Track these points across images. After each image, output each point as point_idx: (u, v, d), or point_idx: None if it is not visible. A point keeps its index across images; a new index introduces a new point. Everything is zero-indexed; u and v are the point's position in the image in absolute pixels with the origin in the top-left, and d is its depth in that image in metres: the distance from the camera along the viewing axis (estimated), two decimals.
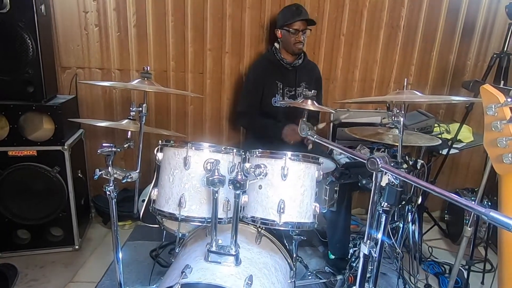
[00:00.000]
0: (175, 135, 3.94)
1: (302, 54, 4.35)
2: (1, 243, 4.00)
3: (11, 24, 3.56)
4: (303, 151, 2.66)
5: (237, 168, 2.30)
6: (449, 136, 4.47)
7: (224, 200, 2.49)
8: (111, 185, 2.53)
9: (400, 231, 3.90)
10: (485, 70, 4.34)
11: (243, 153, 2.60)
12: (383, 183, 1.87)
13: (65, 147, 3.89)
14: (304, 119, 2.73)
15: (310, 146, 3.64)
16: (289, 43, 4.18)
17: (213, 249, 2.32)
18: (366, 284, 2.07)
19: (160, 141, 2.64)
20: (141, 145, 2.87)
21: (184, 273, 2.17)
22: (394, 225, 3.96)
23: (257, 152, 2.56)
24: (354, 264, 3.68)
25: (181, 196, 2.45)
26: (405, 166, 3.22)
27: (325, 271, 3.99)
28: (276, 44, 4.33)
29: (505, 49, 4.10)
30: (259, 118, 4.28)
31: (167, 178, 2.54)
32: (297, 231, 2.95)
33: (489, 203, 4.26)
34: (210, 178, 2.15)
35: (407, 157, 3.45)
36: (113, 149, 2.48)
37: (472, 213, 3.67)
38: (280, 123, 3.98)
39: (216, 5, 4.56)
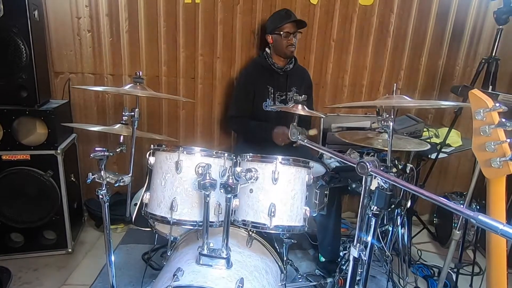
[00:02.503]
0: (167, 139, 3.97)
1: (293, 59, 4.37)
2: None
3: (4, 30, 3.58)
4: (293, 155, 2.69)
5: (228, 172, 2.32)
6: (438, 141, 4.49)
7: (216, 203, 2.51)
8: (103, 189, 2.54)
9: (390, 235, 3.92)
10: (473, 75, 4.34)
11: (234, 157, 2.64)
12: (373, 187, 1.88)
13: (58, 151, 3.90)
14: (295, 123, 2.76)
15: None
16: (281, 47, 4.18)
17: (205, 252, 2.33)
18: (356, 287, 2.08)
19: (152, 146, 2.66)
20: (133, 149, 2.89)
21: (176, 276, 2.18)
22: (383, 229, 3.99)
23: (248, 156, 2.59)
24: (344, 267, 3.70)
25: (172, 199, 2.47)
26: (394, 170, 3.23)
27: (315, 274, 4.00)
28: (267, 49, 4.35)
29: (493, 54, 4.09)
30: (250, 121, 4.28)
31: (159, 182, 2.56)
32: (287, 235, 2.98)
33: (478, 207, 4.26)
34: (202, 182, 2.17)
35: (396, 161, 3.47)
36: (105, 153, 2.49)
37: (461, 216, 3.71)
38: (271, 124, 3.99)
39: (207, 11, 4.58)
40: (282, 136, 3.81)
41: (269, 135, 3.93)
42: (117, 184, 2.58)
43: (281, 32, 4.12)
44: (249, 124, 4.27)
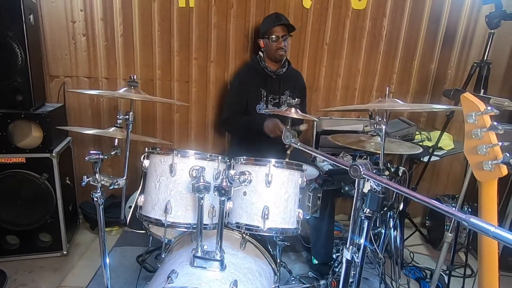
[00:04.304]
0: (161, 142, 3.96)
1: (286, 62, 4.40)
2: None
3: (0, 34, 3.59)
4: (285, 157, 2.70)
5: (222, 175, 2.32)
6: (430, 144, 4.51)
7: (209, 206, 2.52)
8: (98, 191, 2.55)
9: (382, 237, 3.93)
10: (465, 79, 4.37)
11: (228, 160, 2.64)
12: (366, 190, 1.88)
13: (54, 154, 3.92)
14: (288, 126, 2.78)
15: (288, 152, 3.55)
16: (271, 51, 4.22)
17: (199, 254, 2.34)
18: None
19: (146, 149, 2.65)
20: (127, 153, 2.89)
21: (170, 278, 2.19)
22: (376, 231, 3.99)
23: (242, 159, 2.59)
24: (337, 269, 3.72)
25: (167, 202, 2.48)
26: (387, 173, 3.25)
27: (308, 276, 4.02)
28: (260, 53, 4.38)
29: (485, 58, 4.11)
30: (241, 118, 4.31)
31: (153, 185, 2.57)
32: (281, 237, 3.00)
33: (470, 209, 4.29)
34: (196, 185, 2.18)
35: (389, 164, 3.48)
36: (100, 157, 2.50)
37: (453, 219, 3.73)
38: (262, 118, 3.99)
39: (201, 15, 4.60)
40: (273, 126, 3.80)
41: (260, 127, 3.93)
42: (112, 187, 2.59)
43: (271, 36, 4.15)
44: (241, 120, 4.30)
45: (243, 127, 4.31)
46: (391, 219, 3.90)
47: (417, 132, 4.64)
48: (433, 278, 3.78)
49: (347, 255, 1.97)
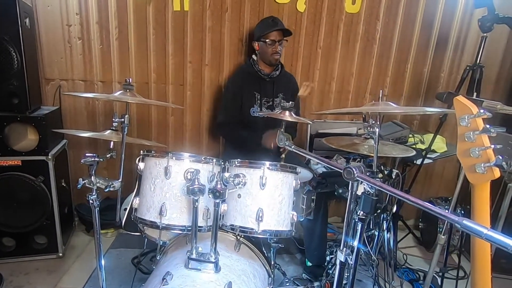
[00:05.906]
0: (156, 145, 3.98)
1: (280, 65, 4.42)
2: None
3: None
4: (279, 160, 2.72)
5: (216, 178, 2.32)
6: (423, 146, 4.53)
7: (204, 208, 2.53)
8: (94, 194, 2.56)
9: (376, 239, 3.93)
10: (458, 82, 4.39)
11: (222, 163, 2.65)
12: (359, 192, 1.90)
13: (49, 157, 3.93)
14: (282, 129, 2.80)
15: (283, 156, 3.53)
16: (267, 54, 4.23)
17: (193, 256, 2.36)
18: None
19: (141, 151, 2.67)
20: (123, 155, 2.91)
21: (165, 280, 2.21)
22: (369, 233, 4.00)
23: (236, 162, 2.61)
24: (330, 271, 3.73)
25: (162, 204, 2.49)
26: (380, 175, 3.26)
27: (302, 278, 4.03)
28: (254, 56, 4.39)
29: (477, 62, 4.14)
30: (238, 129, 4.31)
31: (148, 187, 2.58)
32: (275, 239, 2.98)
33: (462, 212, 4.29)
34: (190, 187, 2.20)
35: (382, 166, 3.49)
36: (96, 159, 2.51)
37: (446, 221, 3.70)
38: (259, 132, 3.97)
39: (196, 19, 4.62)
40: (272, 139, 3.78)
41: (259, 141, 3.93)
42: (107, 189, 2.60)
43: (267, 40, 4.17)
44: (238, 133, 4.31)
45: (240, 140, 4.32)
46: (385, 221, 3.89)
47: (410, 135, 4.67)
48: (426, 280, 3.79)
49: (340, 257, 1.99)
